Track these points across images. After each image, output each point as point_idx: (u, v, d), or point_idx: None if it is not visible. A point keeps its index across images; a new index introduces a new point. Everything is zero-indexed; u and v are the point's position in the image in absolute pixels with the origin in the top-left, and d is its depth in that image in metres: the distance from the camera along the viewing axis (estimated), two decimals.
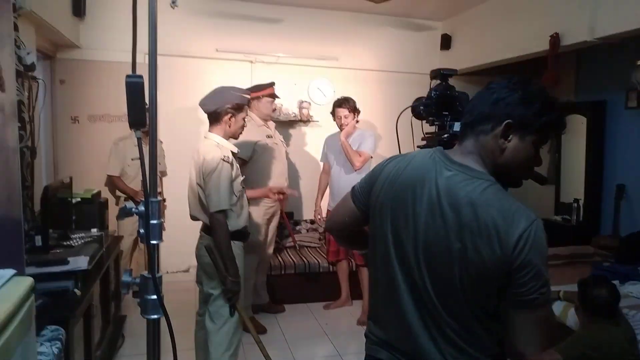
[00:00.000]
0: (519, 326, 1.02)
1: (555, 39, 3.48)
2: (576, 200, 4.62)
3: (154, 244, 1.09)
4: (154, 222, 1.09)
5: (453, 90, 1.57)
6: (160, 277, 1.13)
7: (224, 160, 2.31)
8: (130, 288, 1.15)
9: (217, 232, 2.30)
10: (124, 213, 1.07)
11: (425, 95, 1.63)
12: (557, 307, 2.82)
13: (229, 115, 2.40)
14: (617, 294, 2.20)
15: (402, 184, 1.13)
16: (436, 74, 1.59)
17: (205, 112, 2.44)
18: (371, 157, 3.73)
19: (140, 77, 1.03)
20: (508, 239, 0.98)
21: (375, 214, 1.20)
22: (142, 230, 1.08)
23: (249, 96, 2.53)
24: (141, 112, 1.04)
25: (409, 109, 1.63)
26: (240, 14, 4.59)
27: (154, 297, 1.10)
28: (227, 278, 2.29)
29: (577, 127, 4.63)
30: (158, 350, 1.19)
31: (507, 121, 1.04)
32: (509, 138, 1.06)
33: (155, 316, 1.12)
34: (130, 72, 1.06)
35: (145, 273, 1.11)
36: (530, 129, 1.05)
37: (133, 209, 1.07)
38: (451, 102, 1.54)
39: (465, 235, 1.01)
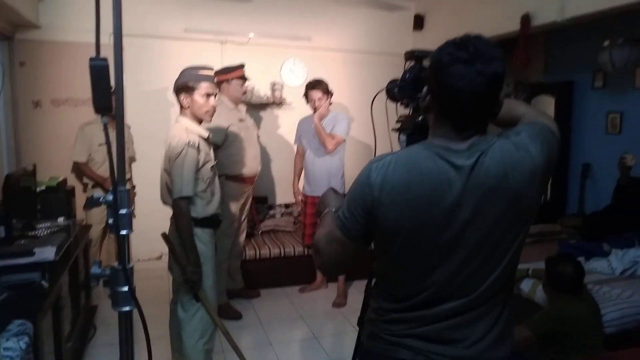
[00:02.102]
0: None
1: (525, 19, 3.51)
2: None
3: (123, 235, 1.05)
4: (124, 211, 1.04)
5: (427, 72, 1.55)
6: (131, 268, 1.09)
7: (189, 145, 2.23)
8: (100, 280, 1.11)
9: (178, 219, 2.25)
10: (91, 203, 1.02)
11: (399, 77, 1.60)
12: (526, 284, 2.90)
13: (183, 96, 2.31)
14: (581, 270, 2.28)
15: (425, 199, 1.03)
16: (410, 55, 1.57)
17: None
18: (344, 141, 3.72)
19: (105, 60, 0.98)
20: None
21: (395, 238, 1.08)
22: (111, 221, 1.04)
23: (208, 72, 2.38)
24: (107, 97, 0.99)
25: (383, 91, 1.60)
26: None
27: (125, 288, 1.06)
28: (187, 267, 2.25)
29: (546, 107, 4.72)
30: (131, 342, 1.15)
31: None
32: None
33: (127, 308, 1.08)
34: (93, 55, 1.00)
35: (116, 264, 1.07)
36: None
37: (101, 199, 1.03)
38: (425, 83, 1.52)
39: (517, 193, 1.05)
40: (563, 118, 4.62)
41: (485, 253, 1.07)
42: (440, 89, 1.06)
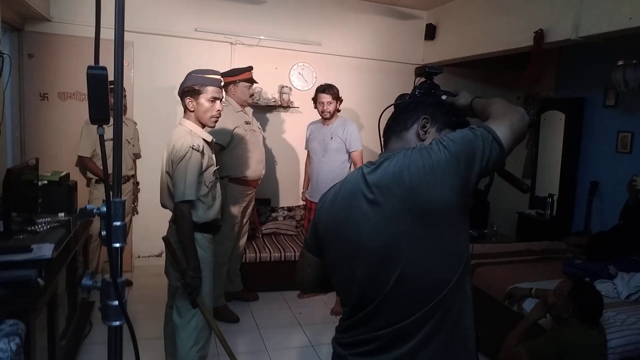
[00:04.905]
0: None
1: (539, 35, 3.46)
2: (551, 195, 4.67)
3: (116, 247, 1.02)
4: (117, 223, 1.01)
5: (438, 90, 1.51)
6: (123, 281, 1.06)
7: (193, 148, 2.19)
8: (90, 291, 1.08)
9: (180, 223, 2.22)
10: (84, 214, 0.99)
11: (409, 92, 1.56)
12: (529, 304, 2.85)
13: (188, 99, 2.28)
14: (602, 298, 2.24)
15: (341, 205, 1.16)
16: (421, 71, 1.53)
17: None
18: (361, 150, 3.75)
19: (104, 68, 0.95)
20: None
21: (327, 244, 1.20)
22: (104, 232, 1.01)
23: (215, 76, 2.33)
24: (104, 107, 0.96)
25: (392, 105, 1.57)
26: None
27: (116, 303, 1.03)
28: (186, 272, 2.21)
29: (556, 123, 4.67)
30: (120, 354, 1.13)
31: (424, 116, 1.20)
32: (427, 130, 1.20)
33: (117, 323, 1.06)
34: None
35: (107, 277, 1.04)
36: (443, 124, 1.21)
37: (94, 210, 0.99)
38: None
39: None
40: (573, 134, 4.57)
41: (395, 255, 1.05)
42: None
